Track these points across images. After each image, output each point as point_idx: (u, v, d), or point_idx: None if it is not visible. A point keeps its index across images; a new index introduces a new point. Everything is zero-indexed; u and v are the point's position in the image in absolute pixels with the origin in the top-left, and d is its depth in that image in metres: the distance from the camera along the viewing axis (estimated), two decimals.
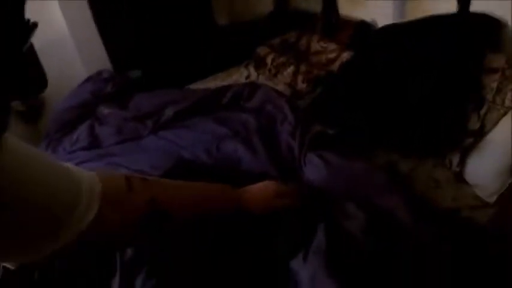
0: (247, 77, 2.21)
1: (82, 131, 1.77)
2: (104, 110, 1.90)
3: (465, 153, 1.39)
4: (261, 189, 1.09)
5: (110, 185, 0.73)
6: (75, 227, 0.63)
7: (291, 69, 2.01)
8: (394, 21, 1.90)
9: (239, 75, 2.24)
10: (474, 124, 1.39)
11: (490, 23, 1.57)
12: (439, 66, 1.49)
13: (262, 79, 2.14)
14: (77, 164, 1.52)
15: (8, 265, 0.65)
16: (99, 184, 0.69)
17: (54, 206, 0.61)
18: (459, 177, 1.40)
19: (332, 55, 2.06)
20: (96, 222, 0.65)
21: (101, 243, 0.77)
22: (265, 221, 1.10)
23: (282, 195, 1.11)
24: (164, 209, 0.82)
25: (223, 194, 1.05)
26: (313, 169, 1.33)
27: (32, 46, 1.64)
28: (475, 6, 1.59)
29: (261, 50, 2.23)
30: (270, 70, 2.13)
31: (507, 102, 1.36)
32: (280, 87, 2.00)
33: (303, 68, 1.99)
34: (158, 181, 0.91)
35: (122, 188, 0.77)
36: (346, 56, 1.99)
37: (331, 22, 2.20)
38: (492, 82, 1.42)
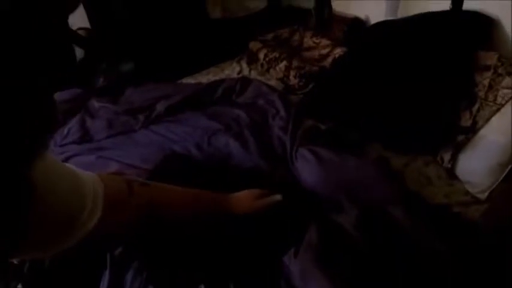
0: (239, 72, 2.20)
1: (73, 124, 1.75)
2: (96, 104, 1.88)
3: (457, 150, 1.39)
4: (245, 194, 1.15)
5: (112, 189, 0.76)
6: (83, 228, 0.66)
7: (283, 64, 2.01)
8: (387, 18, 1.89)
9: (231, 70, 2.24)
10: (466, 121, 1.39)
11: (482, 21, 1.57)
12: (431, 63, 1.50)
13: (254, 74, 2.15)
14: (68, 158, 1.52)
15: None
16: (102, 187, 0.73)
17: (67, 210, 0.64)
18: (451, 174, 1.40)
19: (325, 51, 2.06)
20: (100, 223, 0.69)
21: (103, 242, 0.81)
22: (257, 219, 1.10)
23: (263, 197, 1.16)
24: (160, 212, 0.88)
25: (213, 198, 1.11)
26: (305, 164, 1.32)
27: None
28: (469, 5, 1.59)
29: (254, 45, 2.22)
30: (262, 65, 2.12)
31: (499, 99, 1.36)
32: (273, 82, 2.00)
33: (295, 63, 1.99)
34: (156, 185, 0.95)
35: (124, 192, 0.81)
36: (338, 51, 1.99)
37: (324, 18, 2.20)
38: (484, 79, 1.42)
